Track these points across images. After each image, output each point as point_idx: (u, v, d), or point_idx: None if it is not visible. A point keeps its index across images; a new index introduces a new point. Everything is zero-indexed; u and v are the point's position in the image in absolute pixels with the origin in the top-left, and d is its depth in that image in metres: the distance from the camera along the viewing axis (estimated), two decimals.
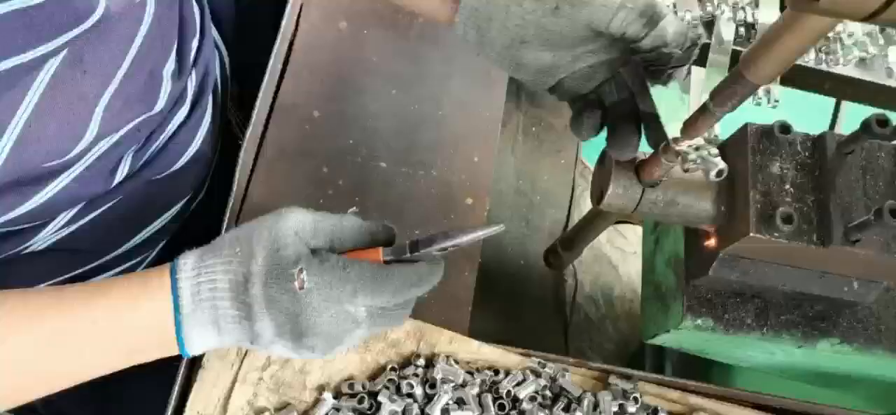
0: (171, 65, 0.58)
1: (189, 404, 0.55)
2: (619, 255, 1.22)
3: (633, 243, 1.23)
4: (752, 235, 0.55)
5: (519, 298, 0.95)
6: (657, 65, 0.52)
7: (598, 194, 0.60)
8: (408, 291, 0.49)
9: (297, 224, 0.49)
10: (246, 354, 0.57)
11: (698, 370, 0.84)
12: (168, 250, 0.70)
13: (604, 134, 0.57)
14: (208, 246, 0.50)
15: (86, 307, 0.48)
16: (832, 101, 1.03)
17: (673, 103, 0.54)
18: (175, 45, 0.58)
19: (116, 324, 0.48)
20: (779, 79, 0.88)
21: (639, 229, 1.20)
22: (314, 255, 0.48)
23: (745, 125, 0.59)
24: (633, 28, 0.49)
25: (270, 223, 0.49)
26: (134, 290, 0.48)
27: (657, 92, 0.54)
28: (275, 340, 0.49)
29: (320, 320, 0.48)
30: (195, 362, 0.57)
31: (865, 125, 0.56)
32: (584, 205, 1.07)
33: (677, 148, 0.52)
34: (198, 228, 0.71)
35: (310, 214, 0.50)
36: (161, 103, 0.57)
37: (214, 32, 0.71)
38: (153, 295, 0.48)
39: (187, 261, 0.48)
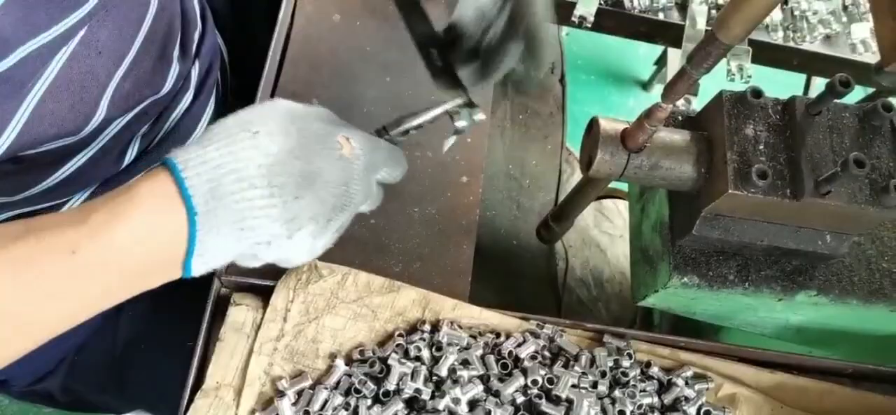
0: (176, 51, 0.61)
1: (209, 375, 0.57)
2: (607, 239, 1.27)
3: (619, 228, 1.27)
4: (730, 191, 0.59)
5: (513, 278, 0.98)
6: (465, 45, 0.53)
7: (586, 161, 0.63)
8: (402, 169, 0.51)
9: (298, 105, 0.47)
10: (261, 325, 0.60)
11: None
12: None
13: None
14: (206, 137, 0.43)
15: (61, 234, 0.40)
16: (802, 77, 1.08)
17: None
18: (179, 34, 0.61)
19: (102, 249, 0.40)
20: (750, 56, 0.93)
21: (625, 214, 1.25)
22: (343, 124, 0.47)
23: (721, 92, 0.63)
24: None
25: (277, 105, 0.45)
26: (123, 204, 0.41)
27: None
28: (309, 221, 0.44)
29: (360, 188, 0.46)
30: (211, 337, 0.60)
31: (830, 87, 0.60)
32: (571, 187, 1.11)
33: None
34: None
35: (293, 103, 0.47)
36: (168, 86, 0.60)
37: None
38: (153, 203, 0.41)
39: (189, 156, 0.41)
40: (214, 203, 0.41)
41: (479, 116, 0.57)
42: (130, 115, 0.57)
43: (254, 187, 0.42)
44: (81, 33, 0.48)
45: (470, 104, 0.55)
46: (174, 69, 0.60)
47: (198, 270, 0.44)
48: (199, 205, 0.41)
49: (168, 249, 0.42)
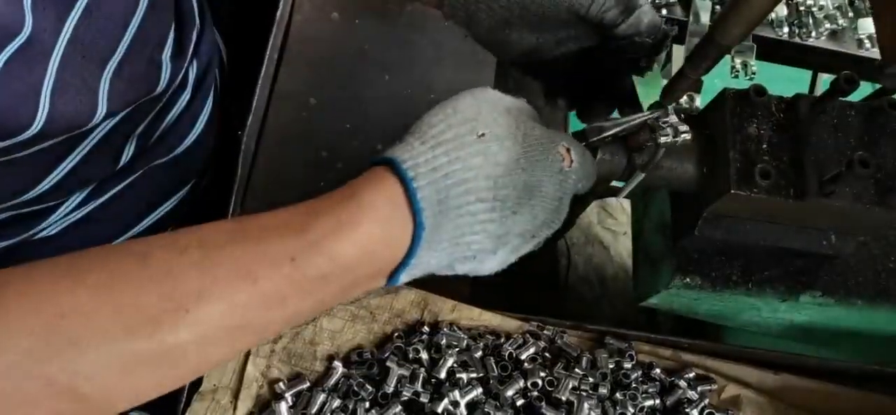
0: (169, 49, 0.60)
1: (205, 377, 0.57)
2: (611, 236, 1.26)
3: (624, 225, 1.26)
4: (733, 191, 0.58)
5: (514, 277, 0.97)
6: (631, 52, 0.55)
7: None
8: (592, 181, 0.49)
9: (507, 98, 0.44)
10: None
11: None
12: None
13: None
14: (429, 136, 0.39)
15: (281, 245, 0.37)
16: (808, 73, 1.07)
17: (652, 83, 0.57)
18: (172, 32, 0.61)
19: (326, 263, 0.38)
20: (755, 52, 0.91)
21: (628, 210, 1.24)
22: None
23: (724, 90, 0.62)
24: (611, 14, 0.50)
25: (492, 99, 0.42)
26: (347, 213, 0.38)
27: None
28: (519, 236, 0.42)
29: (568, 204, 0.44)
30: None
31: (835, 85, 0.59)
32: None
33: (655, 116, 0.55)
34: (202, 215, 0.73)
35: (501, 94, 0.45)
36: (162, 85, 0.59)
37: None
38: (383, 215, 0.38)
39: (417, 159, 0.38)
40: (441, 218, 0.39)
41: (685, 133, 0.50)
42: (123, 113, 0.56)
43: (480, 201, 0.39)
44: (68, 35, 0.47)
45: (678, 117, 0.50)
46: (167, 69, 0.59)
47: (402, 280, 0.42)
48: (428, 219, 0.38)
49: (386, 263, 0.40)
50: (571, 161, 0.43)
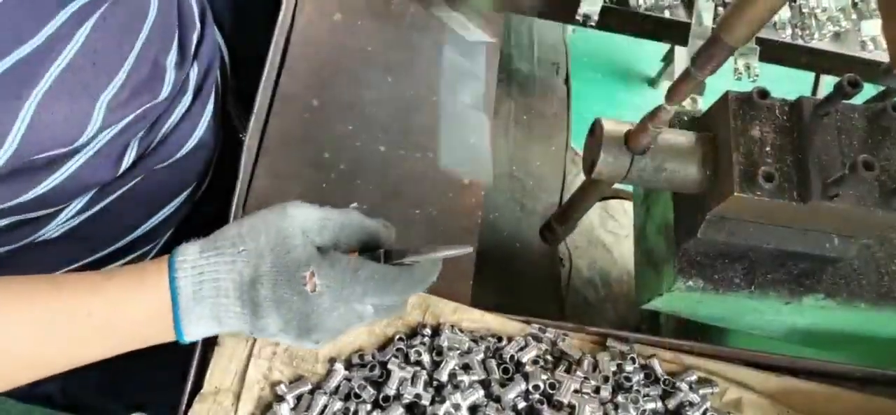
0: (173, 55, 0.60)
1: (207, 379, 0.57)
2: (613, 239, 1.25)
3: (626, 227, 1.26)
4: (736, 194, 0.58)
5: (515, 280, 0.97)
6: None
7: (589, 164, 0.62)
8: (410, 290, 0.53)
9: (304, 222, 0.50)
10: None
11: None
12: (175, 239, 0.72)
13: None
14: (209, 241, 0.50)
15: (81, 298, 0.49)
16: (811, 75, 1.07)
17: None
18: (176, 36, 0.61)
19: (112, 316, 0.49)
20: (758, 54, 0.91)
21: (631, 213, 1.24)
22: (323, 255, 0.50)
23: (727, 93, 0.62)
24: None
25: (276, 221, 0.50)
26: (131, 283, 0.49)
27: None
28: (278, 333, 0.51)
29: (329, 318, 0.50)
30: (211, 340, 0.59)
31: (838, 87, 0.59)
32: (576, 188, 1.09)
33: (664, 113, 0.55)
34: (203, 217, 0.73)
35: (315, 210, 0.51)
36: (165, 91, 0.59)
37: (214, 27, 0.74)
38: (150, 291, 0.49)
39: (186, 258, 0.49)
40: (195, 303, 0.49)
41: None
42: (126, 120, 0.56)
43: (227, 297, 0.50)
44: (80, 41, 0.47)
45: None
46: (171, 75, 0.59)
47: (191, 338, 0.51)
48: (182, 302, 0.49)
49: (162, 327, 0.50)
50: (315, 286, 0.50)
